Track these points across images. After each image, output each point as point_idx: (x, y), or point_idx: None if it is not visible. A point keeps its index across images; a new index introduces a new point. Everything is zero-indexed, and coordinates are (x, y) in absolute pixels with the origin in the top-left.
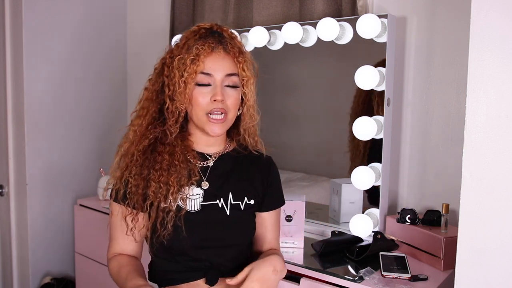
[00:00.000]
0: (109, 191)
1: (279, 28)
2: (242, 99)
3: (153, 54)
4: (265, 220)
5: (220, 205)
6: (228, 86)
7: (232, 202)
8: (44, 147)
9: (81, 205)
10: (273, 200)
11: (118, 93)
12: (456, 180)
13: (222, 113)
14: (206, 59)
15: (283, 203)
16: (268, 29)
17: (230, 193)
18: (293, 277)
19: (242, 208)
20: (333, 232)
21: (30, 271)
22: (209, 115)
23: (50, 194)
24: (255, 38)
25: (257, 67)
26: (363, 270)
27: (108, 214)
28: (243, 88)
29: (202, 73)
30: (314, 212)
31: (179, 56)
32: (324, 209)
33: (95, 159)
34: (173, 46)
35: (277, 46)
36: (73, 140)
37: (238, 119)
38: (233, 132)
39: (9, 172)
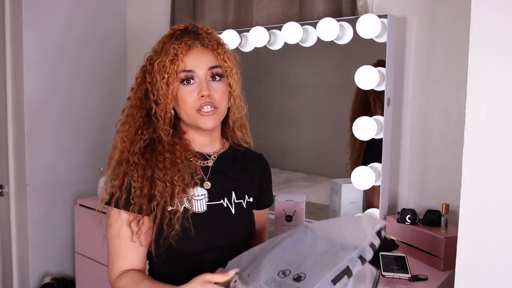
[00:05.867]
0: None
1: (279, 28)
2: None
3: None
4: (261, 216)
5: (225, 205)
6: (213, 79)
7: (236, 201)
8: (44, 147)
9: (81, 205)
10: (269, 198)
11: (119, 94)
12: (456, 180)
13: (211, 106)
14: (185, 57)
15: (273, 201)
16: (268, 29)
17: (233, 192)
18: None
19: (245, 206)
20: None
21: (30, 271)
22: (199, 110)
23: (50, 194)
24: (255, 38)
25: (239, 59)
26: None
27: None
28: (228, 78)
29: (184, 71)
30: (314, 212)
31: (158, 60)
32: (324, 209)
33: (95, 159)
34: (151, 53)
35: (277, 46)
36: (73, 140)
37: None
38: (226, 129)
39: (9, 172)
